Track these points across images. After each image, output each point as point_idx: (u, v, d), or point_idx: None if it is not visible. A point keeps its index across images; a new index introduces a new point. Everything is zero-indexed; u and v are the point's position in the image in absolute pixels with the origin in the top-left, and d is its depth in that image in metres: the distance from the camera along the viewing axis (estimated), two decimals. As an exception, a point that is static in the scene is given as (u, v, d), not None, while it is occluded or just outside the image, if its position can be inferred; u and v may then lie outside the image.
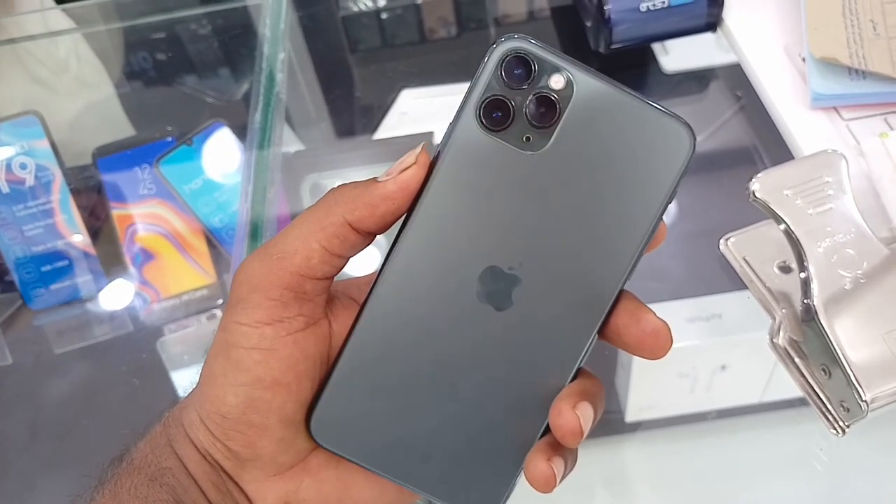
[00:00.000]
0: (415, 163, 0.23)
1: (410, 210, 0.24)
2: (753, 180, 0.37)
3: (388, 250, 0.24)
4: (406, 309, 0.24)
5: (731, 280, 0.45)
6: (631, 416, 0.56)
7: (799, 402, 0.55)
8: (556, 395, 0.24)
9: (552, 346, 0.24)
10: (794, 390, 0.54)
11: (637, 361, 0.52)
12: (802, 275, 0.36)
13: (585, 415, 0.23)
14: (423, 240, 0.24)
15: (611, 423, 0.57)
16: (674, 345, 0.53)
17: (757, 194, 0.37)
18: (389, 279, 0.24)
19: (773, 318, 0.40)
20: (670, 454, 0.57)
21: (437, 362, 0.24)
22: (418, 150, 0.23)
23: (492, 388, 0.24)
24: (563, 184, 0.23)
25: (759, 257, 0.42)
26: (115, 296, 0.58)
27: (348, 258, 0.24)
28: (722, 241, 0.43)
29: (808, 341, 0.37)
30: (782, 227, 0.36)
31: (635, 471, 0.57)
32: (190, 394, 0.25)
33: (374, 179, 0.23)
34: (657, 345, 0.24)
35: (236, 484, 0.24)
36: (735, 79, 0.70)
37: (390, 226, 0.24)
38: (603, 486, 0.57)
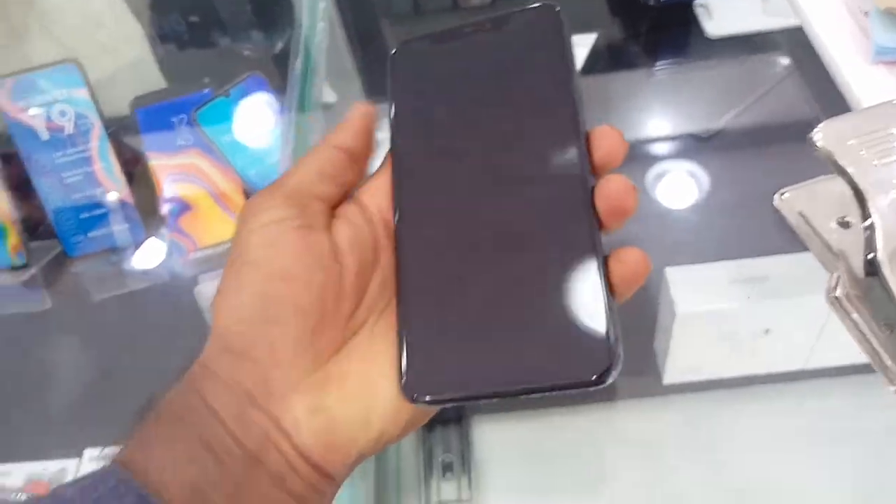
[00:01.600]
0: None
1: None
2: (816, 130, 0.35)
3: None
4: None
5: (782, 240, 0.44)
6: (669, 378, 0.55)
7: (846, 371, 0.54)
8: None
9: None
10: (841, 357, 0.53)
11: (678, 323, 0.51)
12: (866, 225, 0.34)
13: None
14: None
15: (648, 385, 0.56)
16: (715, 306, 0.52)
17: (819, 144, 0.35)
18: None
19: (832, 273, 0.38)
20: (708, 418, 0.56)
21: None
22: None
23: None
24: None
25: (815, 212, 0.41)
26: (152, 244, 0.58)
27: (342, 186, 0.27)
28: (777, 195, 0.42)
29: (869, 296, 0.36)
30: (846, 178, 0.35)
31: (671, 433, 0.56)
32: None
33: None
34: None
35: (261, 409, 0.24)
36: (779, 43, 0.68)
37: (369, 140, 0.28)
38: (637, 446, 0.56)
